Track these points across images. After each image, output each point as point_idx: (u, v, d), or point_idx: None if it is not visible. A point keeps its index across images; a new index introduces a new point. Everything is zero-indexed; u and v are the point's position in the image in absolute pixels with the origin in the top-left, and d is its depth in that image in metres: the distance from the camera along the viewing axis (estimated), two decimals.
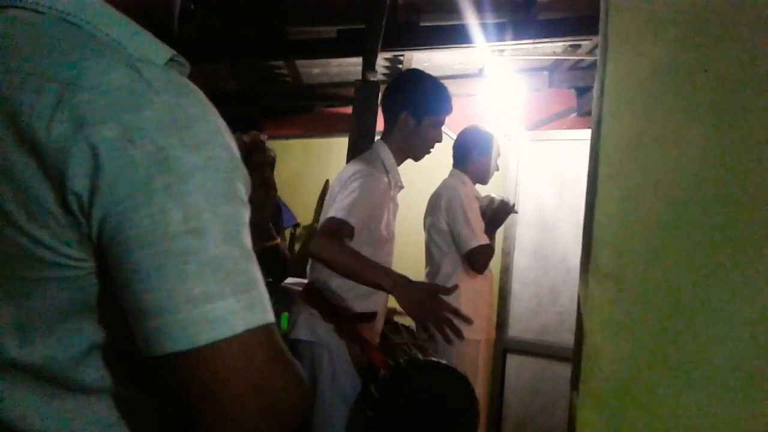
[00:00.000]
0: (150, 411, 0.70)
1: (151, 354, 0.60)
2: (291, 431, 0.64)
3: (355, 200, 2.25)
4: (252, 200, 0.91)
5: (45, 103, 0.61)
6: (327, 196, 2.52)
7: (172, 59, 0.71)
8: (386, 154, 2.48)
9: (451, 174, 3.19)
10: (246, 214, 0.67)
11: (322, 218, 2.43)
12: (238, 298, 0.61)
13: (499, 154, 3.20)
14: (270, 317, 0.64)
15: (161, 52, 0.70)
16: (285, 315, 2.25)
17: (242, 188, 0.67)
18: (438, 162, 3.16)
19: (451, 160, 3.29)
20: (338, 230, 2.23)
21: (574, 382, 1.25)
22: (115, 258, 0.61)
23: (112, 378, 0.69)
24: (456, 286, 2.35)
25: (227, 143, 0.67)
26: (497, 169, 3.21)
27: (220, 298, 0.60)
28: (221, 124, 0.68)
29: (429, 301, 2.10)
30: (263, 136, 0.94)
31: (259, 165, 0.92)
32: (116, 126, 0.60)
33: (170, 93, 0.64)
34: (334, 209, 2.26)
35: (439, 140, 2.57)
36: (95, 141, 0.60)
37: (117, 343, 0.65)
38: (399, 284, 2.12)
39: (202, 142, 0.63)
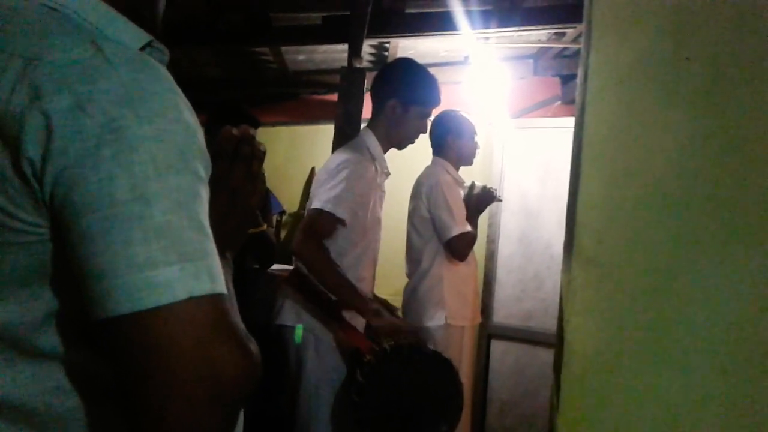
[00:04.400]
0: (105, 378, 0.71)
1: (97, 317, 0.62)
2: (234, 402, 0.65)
3: (342, 191, 2.27)
4: (238, 191, 0.93)
5: (8, 78, 0.64)
6: (312, 184, 2.53)
7: (149, 45, 0.74)
8: (372, 141, 2.49)
9: (432, 162, 3.19)
10: (202, 188, 0.69)
11: (308, 205, 2.44)
12: (183, 266, 0.63)
13: (475, 133, 3.20)
14: (219, 288, 0.66)
15: (137, 37, 0.73)
16: (299, 327, 2.29)
17: (198, 164, 0.69)
18: (426, 149, 3.17)
19: None
20: (323, 227, 2.28)
21: (557, 365, 1.27)
22: (65, 223, 0.63)
23: (69, 344, 0.70)
24: (420, 329, 2.66)
25: (185, 119, 0.68)
26: (478, 148, 3.22)
27: (163, 265, 0.62)
28: (181, 101, 0.70)
29: (395, 329, 2.30)
30: (252, 130, 0.96)
31: (247, 157, 0.93)
32: (70, 96, 0.63)
33: (128, 68, 0.66)
34: (322, 199, 2.28)
35: (424, 131, 2.59)
36: (49, 110, 0.62)
37: (74, 310, 0.66)
38: (368, 315, 2.30)
39: (156, 115, 0.65)
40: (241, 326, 0.71)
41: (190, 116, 0.70)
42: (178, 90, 0.71)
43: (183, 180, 0.65)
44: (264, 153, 0.96)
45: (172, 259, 0.62)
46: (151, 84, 0.67)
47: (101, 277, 0.61)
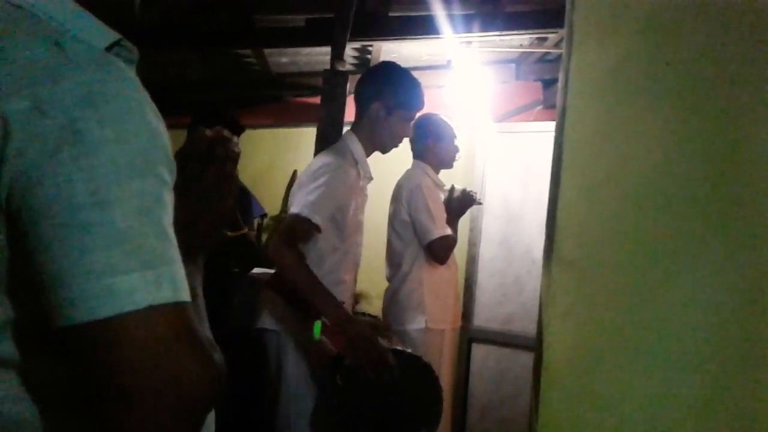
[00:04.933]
0: (64, 385, 0.70)
1: (56, 326, 0.61)
2: (195, 412, 0.65)
3: (321, 196, 2.27)
4: (211, 193, 0.92)
5: None
6: (294, 187, 2.52)
7: (117, 43, 0.72)
8: (356, 145, 2.48)
9: (413, 165, 3.20)
10: (166, 193, 0.67)
11: (288, 208, 2.43)
12: (144, 273, 0.61)
13: (455, 136, 3.22)
14: (182, 296, 0.65)
15: (105, 35, 0.71)
16: (318, 323, 2.24)
17: (163, 168, 0.67)
18: (408, 153, 3.18)
19: None
20: (300, 232, 2.27)
21: (537, 368, 1.27)
22: (23, 228, 0.61)
23: (28, 351, 0.68)
24: (395, 331, 2.61)
25: (149, 122, 0.67)
26: (458, 151, 3.23)
27: (124, 272, 0.60)
28: (146, 103, 0.68)
29: (367, 342, 2.21)
30: (227, 132, 0.95)
31: (221, 159, 0.92)
32: (29, 97, 0.61)
33: (90, 68, 0.64)
34: (300, 205, 2.27)
35: (408, 135, 2.59)
36: (6, 111, 0.60)
37: (33, 317, 0.64)
38: (342, 322, 2.22)
39: (118, 117, 0.63)
40: (206, 334, 0.70)
41: (155, 119, 0.68)
42: (144, 92, 0.69)
43: (146, 184, 0.64)
44: (238, 154, 0.95)
45: (132, 266, 0.61)
46: (115, 85, 0.65)
47: (59, 284, 0.60)
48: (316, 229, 2.28)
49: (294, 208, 2.28)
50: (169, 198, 0.68)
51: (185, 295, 0.65)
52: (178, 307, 0.64)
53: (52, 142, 0.60)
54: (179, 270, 0.66)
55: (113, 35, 0.72)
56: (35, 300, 0.62)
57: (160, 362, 0.61)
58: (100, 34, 0.71)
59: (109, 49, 0.70)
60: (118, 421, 0.61)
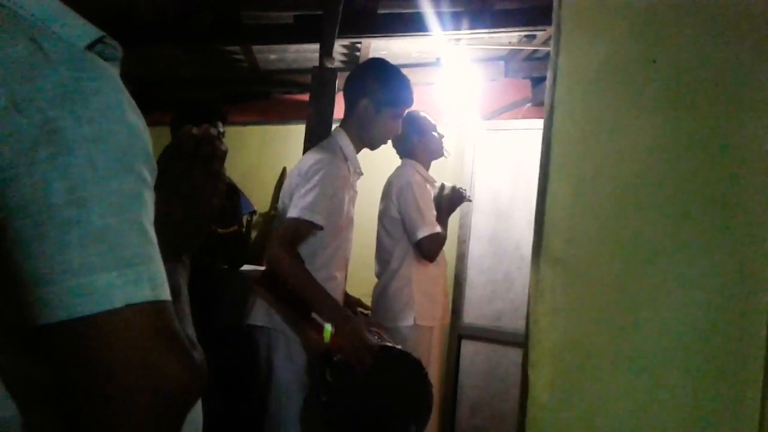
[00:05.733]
0: (45, 385, 0.69)
1: (33, 325, 0.60)
2: (175, 413, 0.64)
3: (317, 196, 2.28)
4: (198, 191, 0.91)
5: None
6: (285, 185, 2.52)
7: (100, 41, 0.71)
8: (345, 141, 2.49)
9: (402, 163, 3.20)
10: (145, 191, 0.66)
11: (282, 209, 2.43)
12: (122, 272, 0.61)
13: (435, 125, 3.22)
14: (161, 295, 0.64)
15: (87, 32, 0.70)
16: (328, 327, 2.25)
17: (142, 167, 0.66)
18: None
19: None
20: (300, 236, 2.28)
21: (526, 365, 1.28)
22: (0, 227, 0.60)
23: (8, 351, 0.67)
24: (388, 330, 2.62)
25: (128, 120, 0.66)
26: (443, 137, 3.23)
27: (101, 270, 0.60)
28: (126, 101, 0.67)
29: (362, 345, 2.24)
30: (213, 130, 0.94)
31: (208, 157, 0.92)
32: (5, 95, 0.60)
33: (69, 66, 0.64)
34: (298, 207, 2.27)
35: (397, 132, 2.59)
36: None
37: (11, 316, 0.63)
38: (342, 323, 2.24)
39: (96, 115, 0.63)
40: (186, 333, 0.68)
41: (135, 117, 0.67)
42: (124, 90, 0.68)
43: (124, 183, 0.63)
44: (225, 152, 0.94)
45: (109, 265, 0.60)
46: (93, 83, 0.64)
47: (36, 283, 0.59)
48: (318, 228, 2.29)
49: (293, 212, 2.28)
50: (149, 196, 0.67)
51: (164, 294, 0.65)
52: (157, 305, 0.63)
53: (29, 141, 0.60)
54: (158, 268, 0.65)
55: (96, 32, 0.71)
56: (13, 299, 0.61)
57: (138, 361, 0.61)
58: (81, 31, 0.69)
59: (91, 46, 0.69)
60: (96, 420, 0.61)
